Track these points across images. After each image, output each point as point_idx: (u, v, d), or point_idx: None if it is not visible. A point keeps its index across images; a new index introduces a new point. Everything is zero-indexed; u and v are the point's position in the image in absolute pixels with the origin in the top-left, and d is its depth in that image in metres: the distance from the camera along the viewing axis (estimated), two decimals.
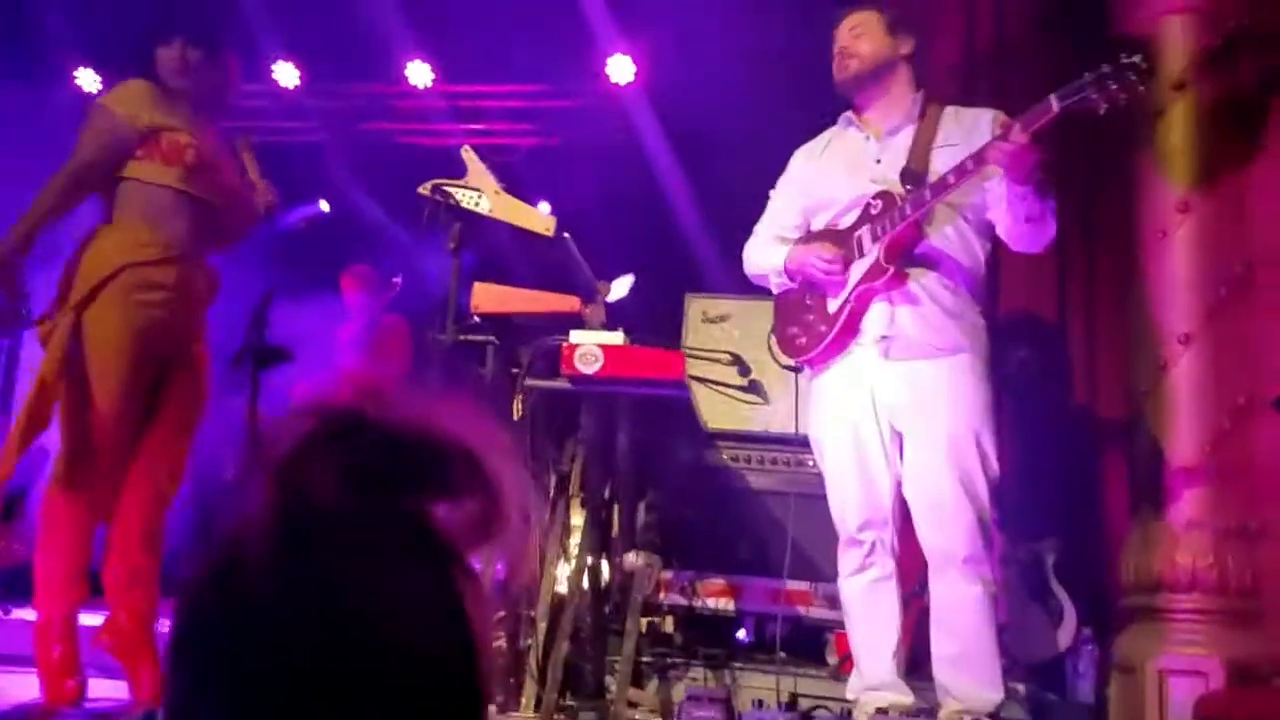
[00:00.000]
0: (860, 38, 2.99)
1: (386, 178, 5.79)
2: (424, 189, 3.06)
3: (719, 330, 4.09)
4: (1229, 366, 3.46)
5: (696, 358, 3.99)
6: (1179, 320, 3.52)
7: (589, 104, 6.09)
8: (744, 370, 4.02)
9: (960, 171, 2.69)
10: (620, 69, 5.83)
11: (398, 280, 5.41)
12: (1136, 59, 2.39)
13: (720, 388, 4.00)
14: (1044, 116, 2.54)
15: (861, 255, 2.88)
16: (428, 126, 6.29)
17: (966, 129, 2.92)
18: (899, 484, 2.89)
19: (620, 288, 4.59)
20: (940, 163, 2.83)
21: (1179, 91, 3.60)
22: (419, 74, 6.00)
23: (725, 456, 3.88)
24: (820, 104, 3.26)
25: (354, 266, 5.54)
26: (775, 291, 3.12)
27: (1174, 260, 3.57)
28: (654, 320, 4.15)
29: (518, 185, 3.33)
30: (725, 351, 4.01)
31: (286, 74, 6.02)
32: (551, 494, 3.35)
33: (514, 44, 5.73)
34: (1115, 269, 4.01)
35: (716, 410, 3.97)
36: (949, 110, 3.00)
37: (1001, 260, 4.19)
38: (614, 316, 3.26)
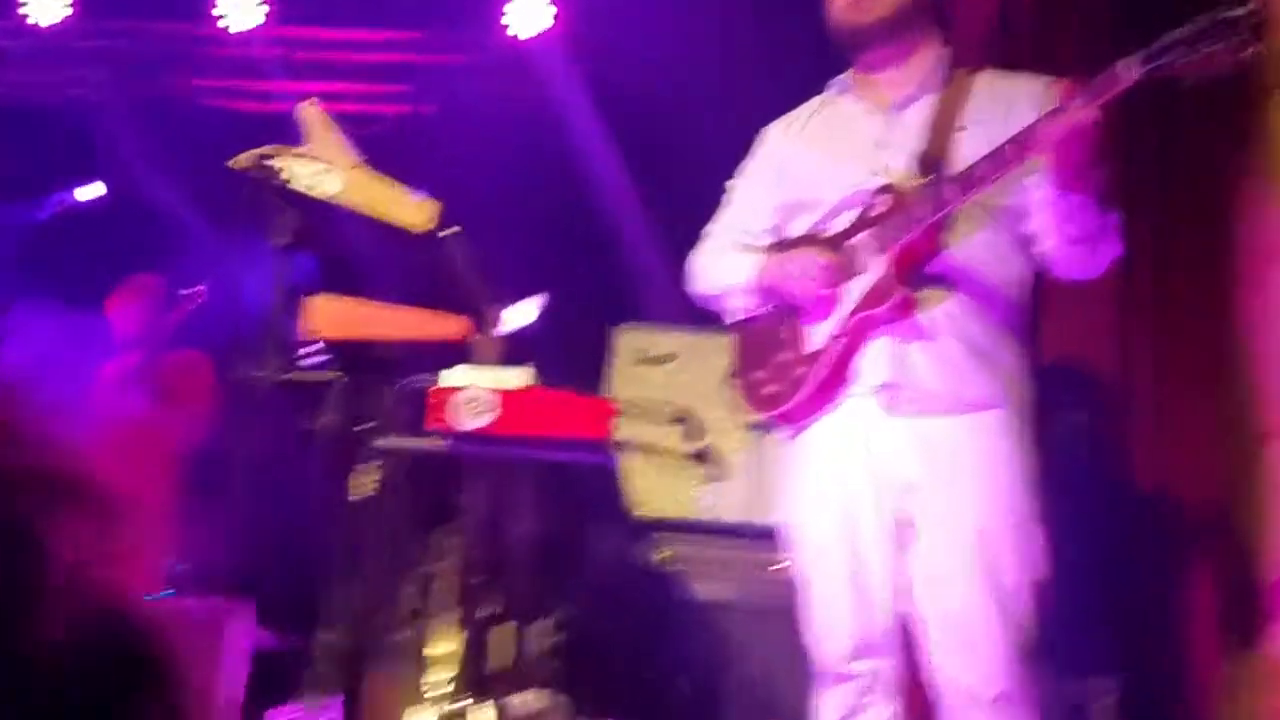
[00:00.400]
0: None
1: (190, 152, 5.71)
2: (241, 161, 2.99)
3: (660, 375, 4.10)
4: None
5: (629, 414, 3.79)
6: None
7: (484, 59, 6.08)
8: (693, 432, 3.92)
9: (998, 160, 2.68)
10: (529, 13, 5.86)
11: (199, 291, 5.28)
12: (1245, 9, 2.39)
13: (659, 456, 3.92)
14: (1117, 85, 2.51)
15: (859, 272, 2.86)
16: (253, 84, 6.21)
17: (1006, 103, 2.91)
18: (903, 592, 2.85)
19: (523, 312, 4.56)
20: (968, 148, 2.83)
21: None
22: (243, 10, 5.95)
23: (663, 555, 3.85)
24: (807, 64, 3.27)
25: (131, 278, 5.43)
26: (735, 319, 3.10)
27: None
28: (568, 359, 4.12)
29: (381, 168, 3.26)
30: (667, 404, 3.92)
31: (45, 6, 5.93)
32: (413, 607, 3.29)
33: None
34: (1199, 306, 4.05)
35: (653, 488, 3.93)
36: (983, 76, 2.99)
37: (1045, 289, 4.24)
38: (514, 352, 3.23)
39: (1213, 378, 3.89)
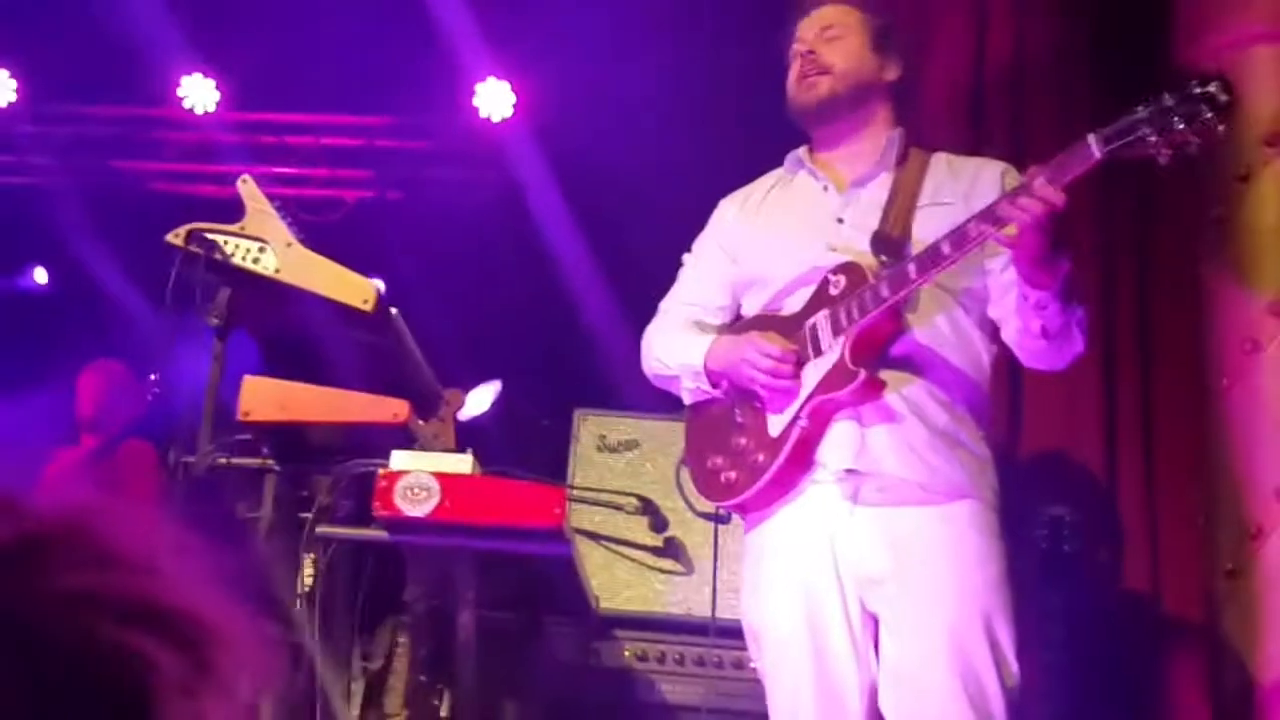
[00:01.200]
0: (836, 43, 2.96)
1: (142, 239, 5.66)
2: (175, 236, 2.92)
3: (622, 464, 4.01)
4: None
5: (588, 503, 3.87)
6: (1278, 469, 3.49)
7: (446, 145, 6.13)
8: (658, 524, 3.90)
9: (960, 239, 2.64)
10: (493, 99, 5.93)
11: (153, 380, 5.24)
12: (1212, 87, 2.35)
13: (622, 548, 3.88)
14: (1081, 165, 2.48)
15: (818, 354, 2.78)
16: (209, 168, 6.25)
17: (965, 184, 2.90)
18: (873, 693, 2.76)
19: (479, 400, 4.49)
20: (927, 228, 2.79)
21: (1273, 148, 3.64)
22: (199, 94, 6.01)
23: (627, 653, 3.76)
24: (768, 146, 3.24)
25: (96, 362, 5.38)
26: (689, 401, 3.03)
27: (1268, 384, 3.56)
28: (527, 447, 4.06)
29: (342, 254, 3.20)
30: (631, 495, 3.89)
31: None
32: (358, 708, 3.17)
33: (340, 58, 5.75)
34: (1183, 400, 4.03)
35: (616, 582, 3.85)
36: (939, 158, 2.99)
37: (1024, 377, 4.21)
38: (469, 441, 3.14)
39: (1198, 473, 3.85)
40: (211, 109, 6.03)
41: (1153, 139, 2.38)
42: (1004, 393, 4.10)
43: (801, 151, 3.07)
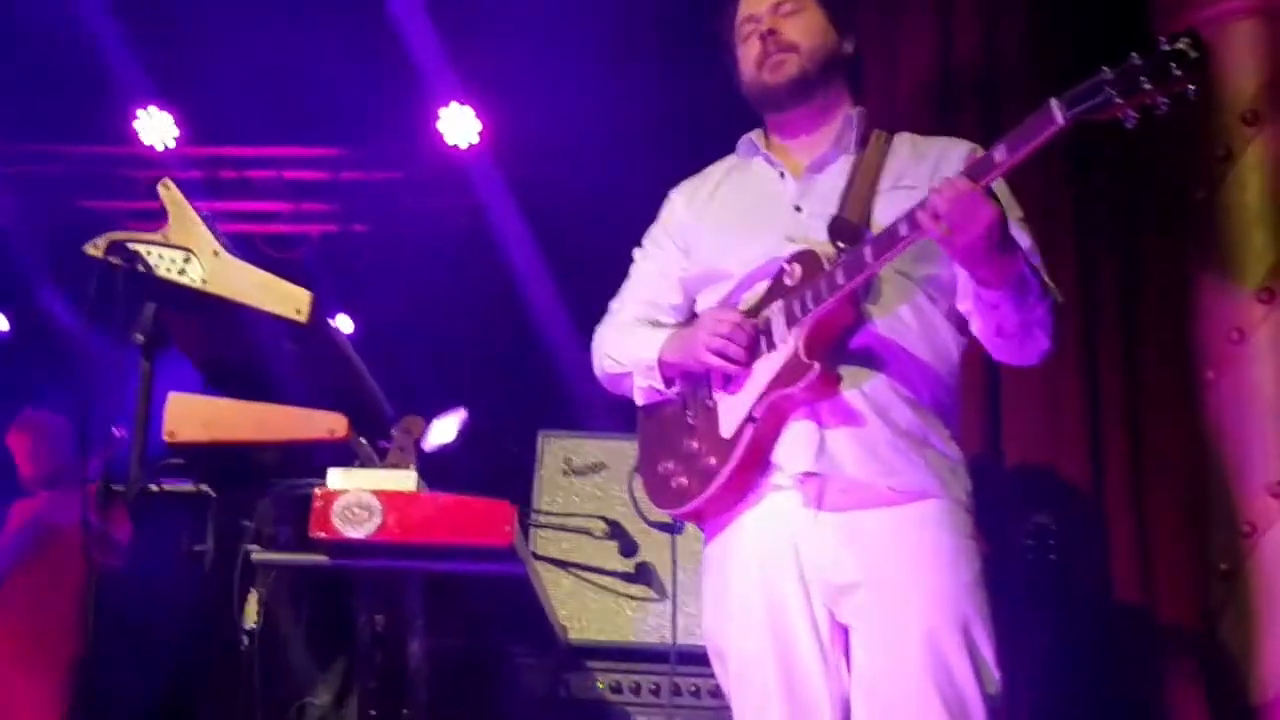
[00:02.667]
0: (794, 18, 2.83)
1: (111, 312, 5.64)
2: (93, 248, 2.75)
3: (589, 486, 3.89)
4: None
5: (553, 527, 3.77)
6: (1271, 463, 3.43)
7: (411, 174, 6.11)
8: (628, 548, 3.78)
9: (914, 223, 2.52)
10: (458, 125, 5.89)
11: (118, 433, 5.14)
12: (1181, 44, 2.21)
13: (591, 575, 3.77)
14: (1042, 131, 2.34)
15: (771, 347, 2.65)
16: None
17: (929, 165, 2.76)
18: (846, 709, 2.62)
19: (443, 430, 4.34)
20: (889, 214, 2.63)
21: (1253, 127, 3.58)
22: (156, 129, 5.96)
23: (600, 685, 3.68)
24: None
25: (24, 418, 5.33)
26: (640, 401, 2.92)
27: (1257, 373, 3.50)
28: (493, 473, 3.94)
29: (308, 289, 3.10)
30: (597, 518, 3.77)
31: None
32: None
33: (300, 89, 5.69)
34: (1171, 390, 3.96)
35: (586, 610, 3.75)
36: (903, 138, 2.87)
37: (1002, 381, 4.10)
38: (432, 468, 3.00)
39: (1189, 473, 3.80)
40: (171, 145, 5.99)
41: (1119, 100, 2.24)
42: (981, 397, 4.02)
43: (755, 135, 2.95)
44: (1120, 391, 4.13)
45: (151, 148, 5.98)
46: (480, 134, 5.94)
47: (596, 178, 5.33)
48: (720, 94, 3.13)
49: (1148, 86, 2.22)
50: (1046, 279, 2.64)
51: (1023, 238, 2.70)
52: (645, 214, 3.13)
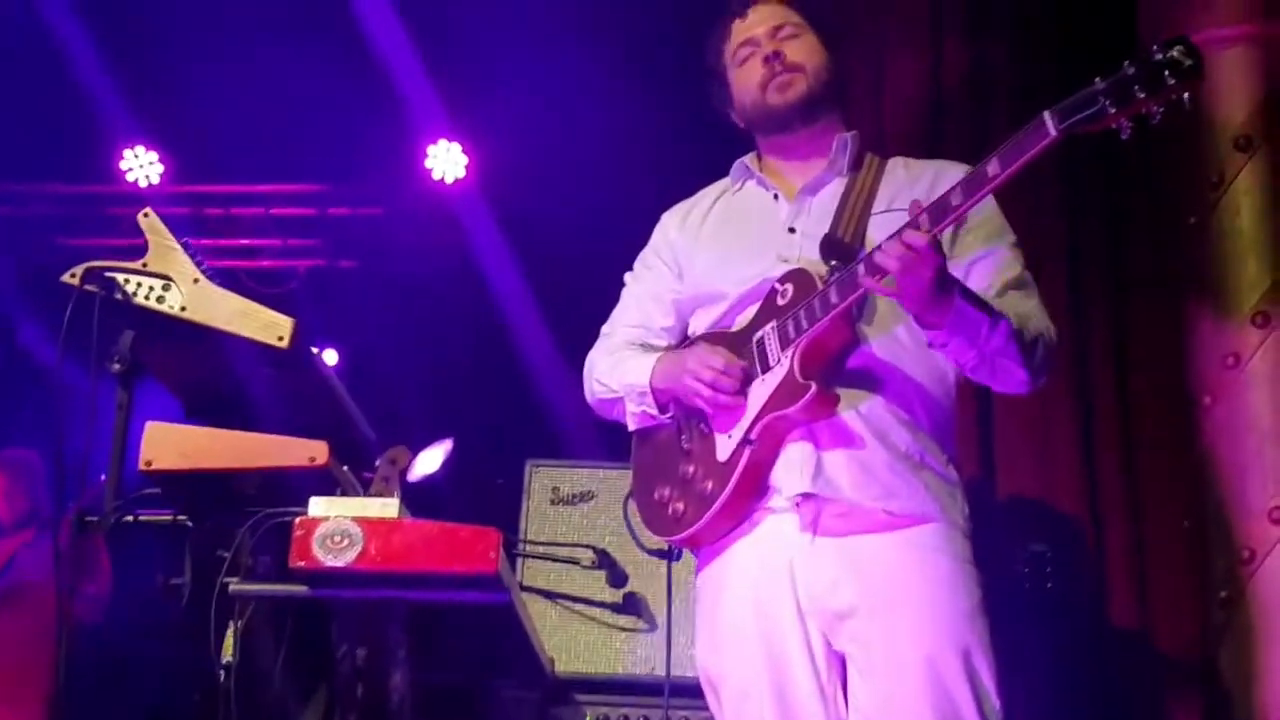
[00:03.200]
0: (795, 41, 2.83)
1: (87, 337, 5.60)
2: (71, 276, 2.71)
3: (577, 516, 3.86)
4: None
5: (541, 557, 3.73)
6: (1269, 488, 3.39)
7: (398, 209, 6.09)
8: (617, 578, 3.74)
9: (869, 267, 2.48)
10: (445, 161, 5.90)
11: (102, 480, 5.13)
12: (1175, 52, 2.18)
13: (579, 606, 3.73)
14: (1036, 144, 2.29)
15: (766, 369, 2.62)
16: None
17: (923, 188, 2.72)
18: None
19: (429, 461, 4.29)
20: (882, 235, 2.57)
21: (1245, 153, 3.57)
22: (142, 167, 5.98)
23: (588, 718, 3.65)
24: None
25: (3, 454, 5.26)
26: (634, 427, 2.88)
27: (1253, 399, 3.46)
28: (480, 505, 3.90)
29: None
30: (586, 547, 3.74)
31: None
32: None
33: (286, 125, 5.68)
34: (1165, 417, 3.93)
35: (574, 641, 3.72)
36: (896, 162, 2.85)
37: (994, 410, 4.07)
38: (418, 500, 2.95)
39: (1185, 500, 3.75)
40: (156, 182, 5.97)
41: (1112, 110, 2.21)
42: (974, 426, 3.99)
43: (749, 159, 2.94)
44: (1114, 418, 4.11)
45: (136, 185, 5.96)
46: (466, 168, 5.94)
47: (582, 211, 5.34)
48: (706, 127, 3.12)
49: (1141, 95, 2.19)
50: (1010, 309, 2.58)
51: (1013, 265, 2.71)
52: (631, 246, 3.11)
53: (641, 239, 3.08)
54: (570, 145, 5.40)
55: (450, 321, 5.67)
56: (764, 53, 2.82)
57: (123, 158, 6.00)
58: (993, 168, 2.34)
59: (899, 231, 2.40)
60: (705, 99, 3.03)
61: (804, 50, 2.83)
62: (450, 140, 5.95)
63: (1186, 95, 2.20)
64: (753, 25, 2.86)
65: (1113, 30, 3.92)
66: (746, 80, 2.85)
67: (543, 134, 5.50)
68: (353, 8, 5.50)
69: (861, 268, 2.49)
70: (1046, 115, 2.28)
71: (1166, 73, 2.17)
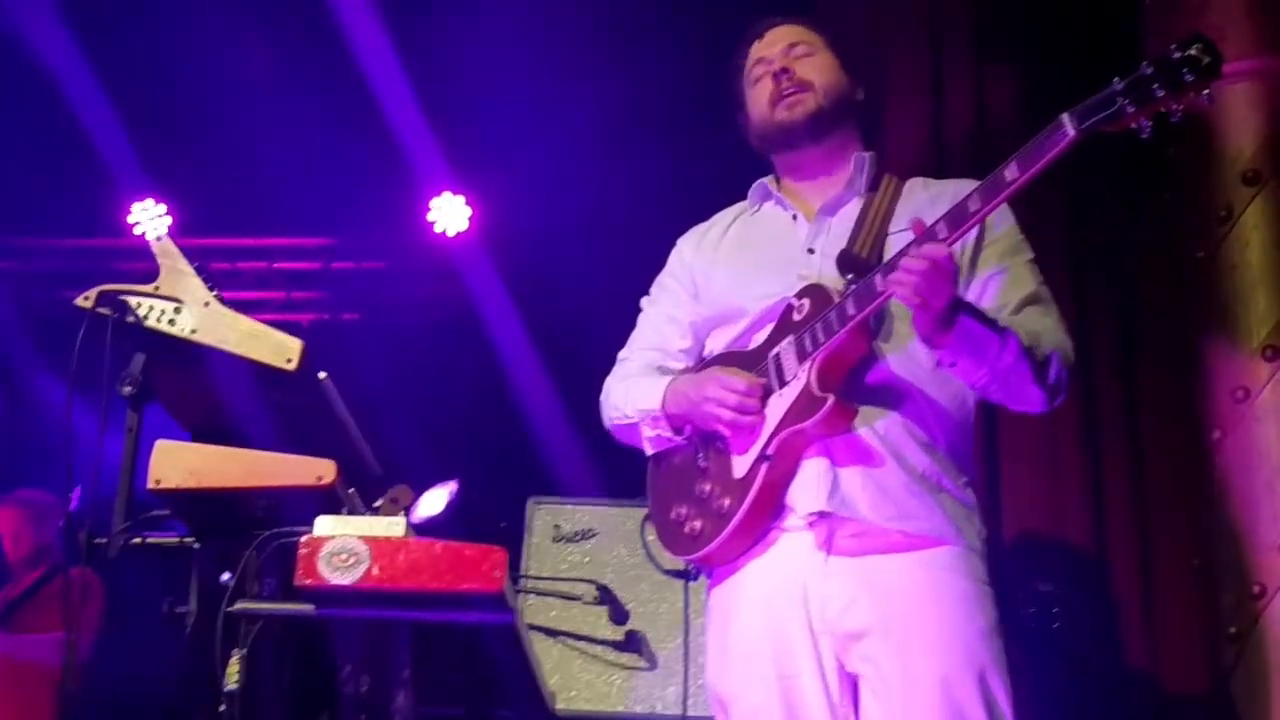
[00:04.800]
0: (808, 60, 2.83)
1: (95, 369, 5.59)
2: (84, 299, 2.73)
3: (578, 553, 3.85)
4: None
5: (542, 593, 3.71)
6: (1278, 521, 3.37)
7: (401, 261, 6.11)
8: (618, 615, 3.72)
9: (888, 275, 2.46)
10: (449, 214, 5.93)
11: (74, 496, 5.10)
12: (1194, 50, 2.18)
13: (580, 644, 3.71)
14: (1056, 145, 2.29)
15: (783, 384, 2.59)
16: None
17: (944, 207, 2.62)
18: None
19: (433, 502, 4.29)
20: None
21: (1253, 187, 3.57)
22: (150, 220, 6.01)
23: None
24: None
25: (11, 497, 5.26)
26: (650, 451, 2.84)
27: (1263, 432, 3.45)
28: (481, 543, 3.90)
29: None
30: (588, 582, 3.71)
31: None
32: None
33: (291, 179, 5.70)
34: (1176, 452, 3.93)
35: (574, 679, 3.69)
36: (915, 182, 2.83)
37: (1001, 446, 4.05)
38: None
39: (1195, 535, 3.72)
40: (163, 235, 5.99)
41: (1131, 110, 2.21)
42: (982, 463, 3.98)
43: (768, 180, 2.92)
44: (1122, 453, 4.09)
45: (144, 238, 5.98)
46: (469, 221, 5.97)
47: (583, 263, 5.35)
48: (709, 180, 3.14)
49: (1161, 94, 2.20)
50: (1026, 328, 2.56)
51: (1029, 281, 2.69)
52: (631, 296, 3.11)
53: (642, 287, 3.09)
54: (572, 198, 5.43)
55: (452, 373, 5.66)
56: (774, 69, 2.82)
57: (130, 211, 6.02)
58: (1011, 171, 2.34)
59: (918, 242, 2.38)
60: (708, 151, 3.06)
61: (815, 68, 2.83)
62: (453, 193, 5.98)
63: (1206, 92, 2.20)
64: (768, 45, 2.88)
65: (1119, 70, 3.96)
66: (758, 98, 2.86)
67: (545, 187, 5.53)
68: (357, 63, 5.55)
69: (879, 277, 2.46)
70: (1065, 117, 2.29)
71: (1185, 70, 2.18)
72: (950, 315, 2.41)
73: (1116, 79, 2.23)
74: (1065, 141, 2.27)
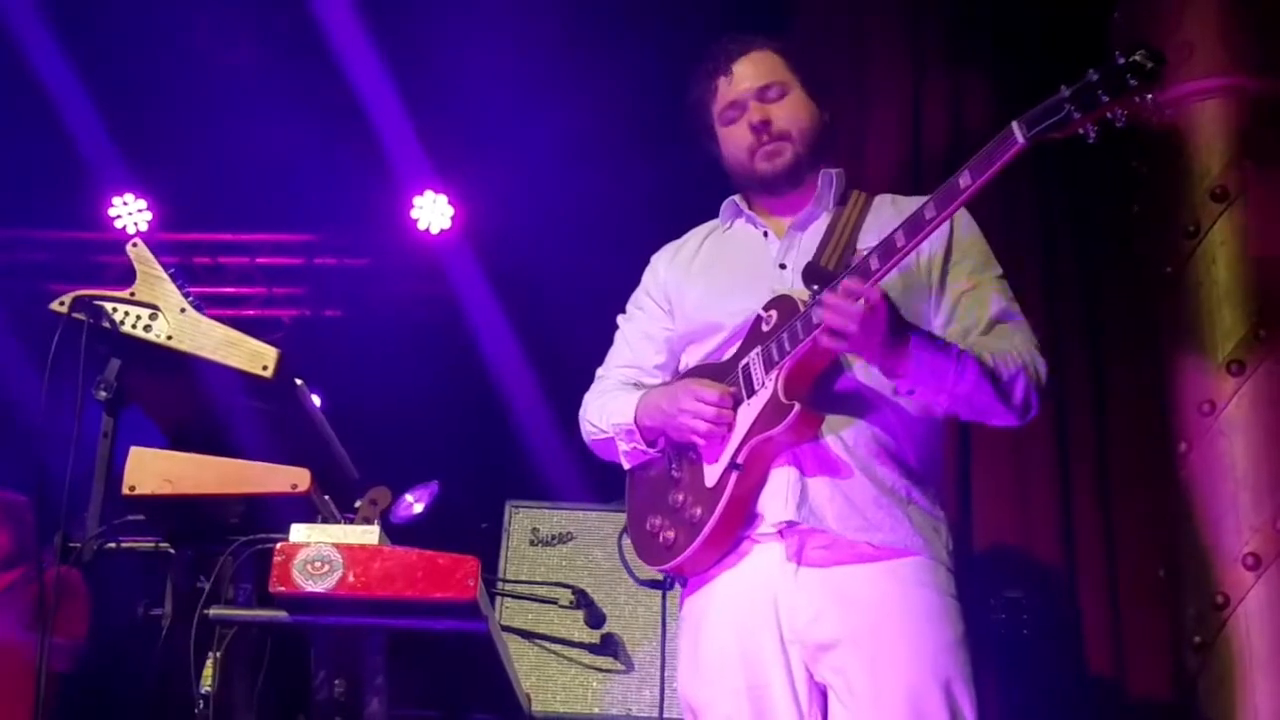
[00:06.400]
0: (782, 104, 2.81)
1: (73, 366, 5.55)
2: (59, 304, 2.72)
3: (556, 557, 3.86)
4: None
5: (520, 596, 3.73)
6: (1243, 534, 3.41)
7: (384, 259, 6.09)
8: (595, 619, 3.73)
9: (888, 249, 2.45)
10: (432, 212, 5.92)
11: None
12: (1138, 56, 2.21)
13: (557, 646, 3.72)
14: (1005, 152, 2.32)
15: (752, 393, 2.62)
16: None
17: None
18: None
19: (413, 503, 4.29)
20: None
21: (1221, 203, 3.60)
22: (131, 215, 5.97)
23: None
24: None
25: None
26: (628, 465, 2.86)
27: (1228, 445, 3.49)
28: (460, 546, 3.91)
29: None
30: (565, 587, 3.73)
31: None
32: None
33: (274, 175, 5.69)
34: (1142, 464, 3.95)
35: (550, 681, 3.71)
36: (884, 198, 2.84)
37: (973, 455, 4.07)
38: (400, 542, 2.94)
39: (1160, 546, 3.76)
40: (144, 229, 5.97)
41: (1078, 115, 2.24)
42: (952, 473, 4.00)
43: (737, 198, 2.92)
44: (1091, 465, 4.11)
45: (124, 232, 5.94)
46: (452, 219, 5.96)
47: (566, 261, 5.33)
48: (691, 180, 3.14)
49: (1105, 99, 2.22)
50: (983, 347, 2.58)
51: (998, 299, 2.70)
52: (615, 296, 3.12)
53: (626, 289, 3.08)
54: (556, 198, 5.41)
55: (434, 370, 5.62)
56: (751, 119, 2.79)
57: (111, 205, 5.98)
58: (964, 179, 2.36)
59: (839, 278, 2.42)
60: (690, 154, 3.05)
61: (791, 113, 2.80)
62: (436, 192, 5.97)
63: (1150, 96, 2.23)
64: (738, 84, 2.82)
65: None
66: (735, 144, 2.83)
67: (529, 187, 5.51)
68: (342, 60, 5.54)
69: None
70: (1014, 124, 2.31)
71: (1129, 75, 2.21)
72: (897, 344, 2.43)
73: (1064, 86, 2.26)
74: (1015, 148, 2.30)
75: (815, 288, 2.56)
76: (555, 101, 5.32)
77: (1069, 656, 3.97)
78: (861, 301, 2.37)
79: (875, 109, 4.36)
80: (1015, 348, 2.62)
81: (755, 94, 2.81)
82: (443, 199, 5.97)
